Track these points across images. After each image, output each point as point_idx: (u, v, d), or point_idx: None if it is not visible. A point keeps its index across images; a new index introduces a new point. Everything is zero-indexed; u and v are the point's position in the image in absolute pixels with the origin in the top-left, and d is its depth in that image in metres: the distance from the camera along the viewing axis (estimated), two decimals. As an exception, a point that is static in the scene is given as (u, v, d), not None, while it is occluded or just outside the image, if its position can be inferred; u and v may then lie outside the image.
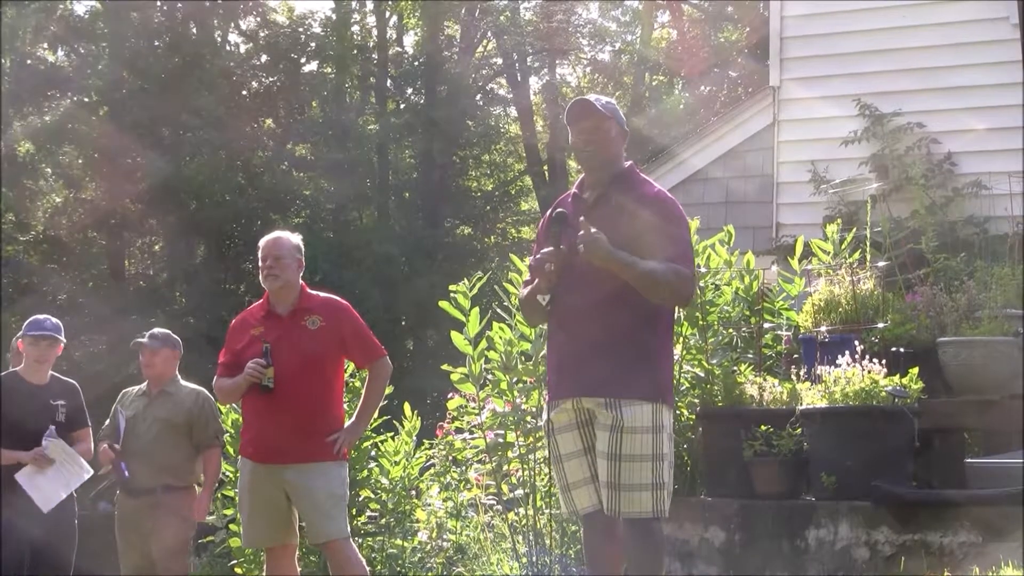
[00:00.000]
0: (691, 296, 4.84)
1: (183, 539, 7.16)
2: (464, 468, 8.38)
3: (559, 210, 4.87)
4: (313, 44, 25.14)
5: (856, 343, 6.76)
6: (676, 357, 7.31)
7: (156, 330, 7.37)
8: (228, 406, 8.19)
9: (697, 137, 11.75)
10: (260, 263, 6.24)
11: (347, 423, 6.31)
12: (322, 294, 6.38)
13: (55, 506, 6.89)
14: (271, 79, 24.98)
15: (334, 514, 6.15)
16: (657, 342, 4.78)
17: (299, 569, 6.64)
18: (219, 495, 8.44)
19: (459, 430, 8.47)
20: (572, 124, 4.94)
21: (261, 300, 6.35)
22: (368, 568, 6.40)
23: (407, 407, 8.68)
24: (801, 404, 6.71)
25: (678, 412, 7.30)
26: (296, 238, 6.34)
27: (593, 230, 4.60)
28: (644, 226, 4.71)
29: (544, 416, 4.96)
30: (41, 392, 7.02)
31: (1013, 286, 7.49)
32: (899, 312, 7.51)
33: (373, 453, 8.51)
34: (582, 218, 4.68)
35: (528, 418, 7.45)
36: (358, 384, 7.92)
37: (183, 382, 7.32)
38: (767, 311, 7.75)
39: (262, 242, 6.29)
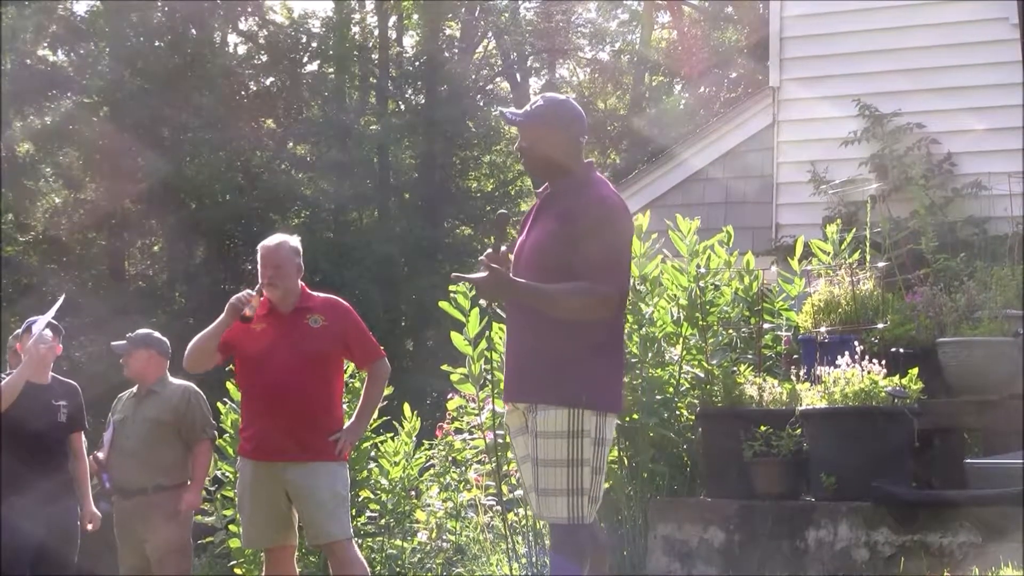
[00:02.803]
0: (607, 311, 4.63)
1: (179, 538, 7.15)
2: (464, 469, 8.39)
3: (501, 211, 4.94)
4: (313, 44, 25.14)
5: (856, 343, 6.75)
6: (676, 357, 7.32)
7: (136, 331, 7.40)
8: (228, 406, 8.21)
9: (697, 137, 11.75)
10: (260, 269, 6.22)
11: (347, 423, 6.32)
12: (322, 294, 6.38)
13: (57, 508, 6.89)
14: (271, 79, 24.99)
15: (337, 514, 6.15)
16: (589, 349, 4.65)
17: (298, 570, 6.64)
18: (219, 495, 8.46)
19: (459, 431, 8.48)
20: None
21: (265, 296, 6.35)
22: (368, 569, 6.39)
23: (407, 407, 8.69)
24: (801, 404, 6.70)
25: (678, 412, 7.31)
26: (294, 241, 6.31)
27: (484, 273, 4.58)
28: (573, 235, 4.65)
29: (505, 413, 4.95)
30: (43, 392, 7.01)
31: (1013, 286, 7.49)
32: (899, 312, 7.50)
33: (373, 454, 8.52)
34: (482, 256, 4.69)
35: (528, 418, 7.45)
36: (358, 385, 7.93)
37: (172, 379, 7.34)
38: (767, 311, 7.75)
39: (262, 249, 6.25)
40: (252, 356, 6.19)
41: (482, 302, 4.79)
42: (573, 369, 4.62)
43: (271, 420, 6.10)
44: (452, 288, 7.67)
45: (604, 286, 4.60)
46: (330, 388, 6.25)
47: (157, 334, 7.41)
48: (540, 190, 4.93)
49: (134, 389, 7.38)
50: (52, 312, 6.95)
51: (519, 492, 7.65)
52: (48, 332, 6.95)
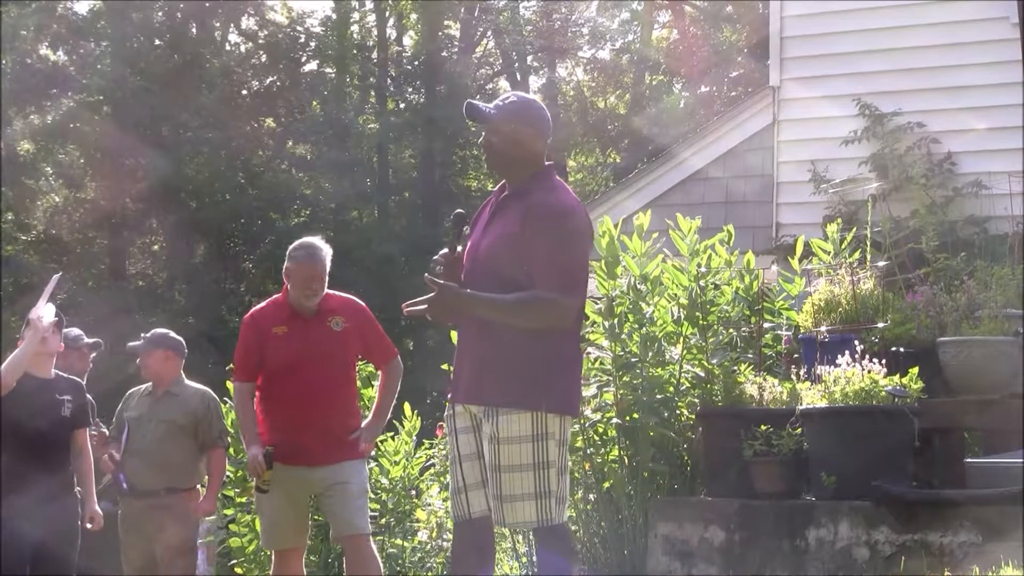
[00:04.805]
0: (565, 319, 4.55)
1: (187, 540, 7.17)
2: (464, 468, 8.38)
3: (458, 211, 4.82)
4: (313, 44, 25.16)
5: (856, 343, 6.75)
6: (676, 357, 7.32)
7: (153, 331, 7.38)
8: (228, 405, 8.19)
9: (697, 137, 11.76)
10: (298, 281, 6.14)
11: (364, 421, 6.32)
12: (340, 294, 6.38)
13: (58, 506, 6.88)
14: (271, 78, 25.02)
15: (365, 508, 6.23)
16: (550, 352, 4.57)
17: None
18: (219, 495, 8.45)
19: (459, 430, 8.45)
20: None
21: (279, 298, 6.31)
22: (382, 567, 6.40)
23: (407, 407, 8.69)
24: (801, 404, 6.70)
25: (678, 412, 7.31)
26: (327, 248, 6.28)
27: (433, 294, 4.53)
28: (530, 239, 4.55)
29: (446, 414, 4.86)
30: (47, 386, 6.96)
31: (1013, 286, 7.49)
32: (899, 312, 7.50)
33: (373, 453, 8.52)
34: (426, 274, 4.60)
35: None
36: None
37: (188, 382, 7.33)
38: (767, 311, 7.74)
39: (306, 266, 6.17)
40: (280, 365, 6.15)
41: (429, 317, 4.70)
42: (538, 372, 4.54)
43: (301, 428, 6.08)
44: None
45: (561, 295, 4.51)
46: (351, 388, 6.33)
47: (173, 334, 7.39)
48: (497, 188, 4.82)
49: (148, 387, 7.35)
50: (50, 288, 6.80)
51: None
52: (52, 306, 6.84)
